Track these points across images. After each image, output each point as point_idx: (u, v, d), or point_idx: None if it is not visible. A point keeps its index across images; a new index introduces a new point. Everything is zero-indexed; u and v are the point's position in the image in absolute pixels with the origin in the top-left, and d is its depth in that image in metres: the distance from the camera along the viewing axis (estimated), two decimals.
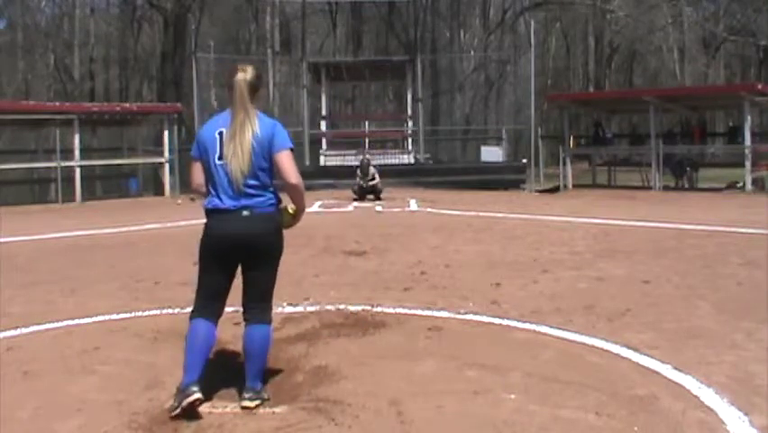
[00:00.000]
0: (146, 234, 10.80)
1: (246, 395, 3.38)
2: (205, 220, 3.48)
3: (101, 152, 21.37)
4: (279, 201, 3.46)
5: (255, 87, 3.40)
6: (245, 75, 3.37)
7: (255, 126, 3.33)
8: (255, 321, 3.48)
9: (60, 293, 6.14)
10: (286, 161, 3.38)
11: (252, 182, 3.33)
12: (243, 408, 3.34)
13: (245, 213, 3.34)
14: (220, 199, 3.37)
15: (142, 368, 3.97)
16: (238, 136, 3.32)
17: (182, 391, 3.24)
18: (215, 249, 3.43)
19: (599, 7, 32.25)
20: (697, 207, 13.49)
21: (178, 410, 3.20)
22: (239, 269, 3.50)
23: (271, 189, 3.42)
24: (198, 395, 3.21)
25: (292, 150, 3.45)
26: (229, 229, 3.37)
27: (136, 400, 3.47)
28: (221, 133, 3.35)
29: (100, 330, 4.86)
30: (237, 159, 3.30)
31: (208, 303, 3.47)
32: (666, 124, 20.55)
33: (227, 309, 5.37)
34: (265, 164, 3.35)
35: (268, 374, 3.72)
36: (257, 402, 3.36)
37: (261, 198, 3.37)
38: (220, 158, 3.34)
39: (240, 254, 3.41)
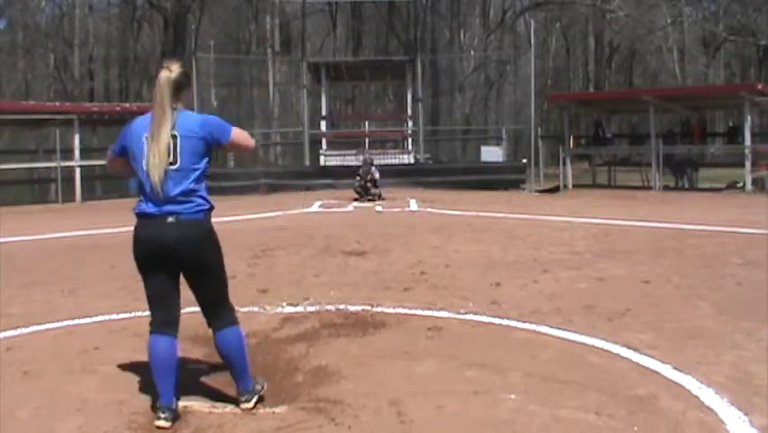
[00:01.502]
0: None
1: (242, 398, 3.36)
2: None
3: (101, 152, 21.27)
4: (211, 207, 3.31)
5: (180, 85, 3.22)
6: (169, 73, 3.19)
7: (172, 129, 3.15)
8: (221, 326, 3.36)
9: (60, 293, 6.14)
10: (237, 140, 3.33)
11: (179, 188, 3.18)
12: (244, 410, 3.34)
13: (170, 219, 3.19)
14: (146, 204, 3.25)
15: (142, 368, 3.97)
16: (155, 141, 3.14)
17: (155, 411, 3.20)
18: (143, 256, 3.30)
19: (599, 7, 32.25)
20: (697, 207, 13.49)
21: (167, 424, 3.13)
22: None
23: (200, 194, 3.26)
24: (163, 423, 3.12)
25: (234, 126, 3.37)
26: (153, 235, 3.23)
27: (136, 400, 3.47)
28: (147, 138, 3.17)
29: (100, 330, 4.86)
30: (155, 164, 3.13)
31: (158, 313, 3.29)
32: (666, 124, 20.56)
33: None
34: (198, 166, 3.22)
35: (265, 373, 3.73)
36: (254, 401, 3.36)
37: (189, 204, 3.21)
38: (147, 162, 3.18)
39: (169, 262, 3.24)
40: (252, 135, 3.47)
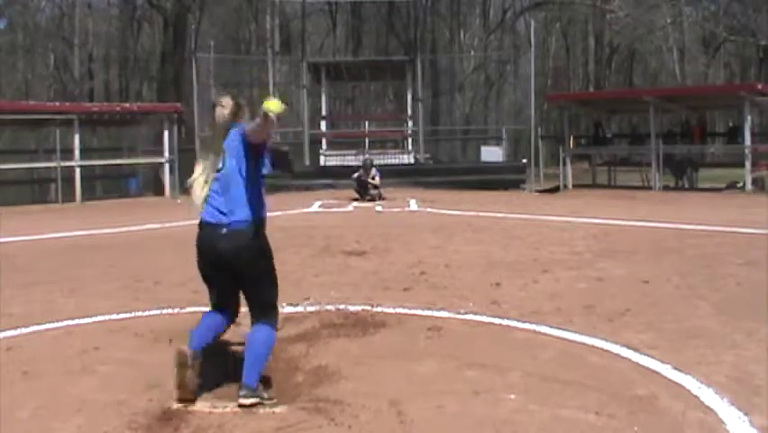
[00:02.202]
0: (146, 234, 10.80)
1: (241, 393, 3.40)
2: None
3: (101, 152, 21.34)
4: (261, 223, 3.55)
5: (236, 115, 3.56)
6: (223, 110, 3.57)
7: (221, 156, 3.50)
8: (255, 322, 3.56)
9: (60, 293, 6.14)
10: (249, 127, 3.44)
11: (229, 199, 3.46)
12: (240, 405, 3.37)
13: (224, 230, 3.44)
14: (207, 212, 3.51)
15: (142, 368, 3.97)
16: (211, 160, 3.52)
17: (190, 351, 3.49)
18: (200, 260, 3.57)
19: (599, 7, 32.24)
20: (697, 207, 13.49)
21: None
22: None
23: (250, 206, 3.48)
24: (188, 348, 3.42)
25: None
26: (206, 243, 3.50)
27: (136, 400, 3.47)
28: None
29: (100, 330, 4.86)
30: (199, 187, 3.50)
31: (216, 306, 3.66)
32: (666, 124, 20.55)
33: None
34: (243, 176, 3.46)
35: (268, 375, 3.73)
36: (251, 400, 3.37)
37: (239, 215, 3.46)
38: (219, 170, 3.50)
39: (221, 267, 3.50)
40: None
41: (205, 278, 3.62)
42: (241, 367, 3.48)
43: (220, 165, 3.50)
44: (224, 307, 3.64)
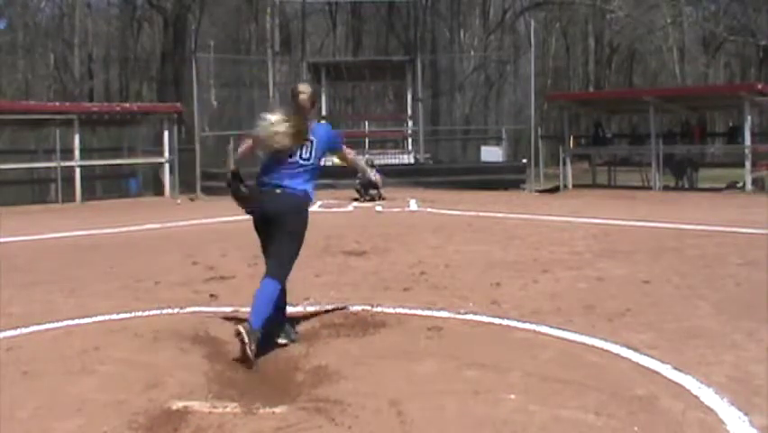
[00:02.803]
0: (146, 234, 10.80)
1: (241, 325, 3.95)
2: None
3: (101, 152, 21.32)
4: (310, 200, 4.34)
5: (313, 103, 4.38)
6: (305, 96, 4.33)
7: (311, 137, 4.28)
8: (266, 275, 4.20)
9: (60, 293, 6.14)
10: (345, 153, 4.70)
11: (302, 177, 4.27)
12: (235, 331, 3.93)
13: (278, 191, 4.20)
14: (269, 178, 4.24)
15: (142, 368, 3.97)
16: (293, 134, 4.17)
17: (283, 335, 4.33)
18: (258, 219, 4.32)
19: (599, 7, 32.22)
20: (697, 207, 13.49)
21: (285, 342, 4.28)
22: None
23: (310, 185, 4.31)
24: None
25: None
26: (269, 201, 4.22)
27: (136, 400, 3.47)
28: None
29: (100, 330, 4.85)
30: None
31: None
32: (666, 124, 20.54)
33: (226, 310, 5.40)
34: (316, 167, 4.35)
35: (265, 373, 3.76)
36: (241, 337, 3.87)
37: (302, 187, 4.26)
38: (291, 156, 4.22)
39: (271, 223, 4.23)
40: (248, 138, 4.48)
41: (260, 235, 4.31)
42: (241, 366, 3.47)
43: (306, 155, 4.25)
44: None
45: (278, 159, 4.23)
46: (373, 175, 5.56)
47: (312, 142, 4.27)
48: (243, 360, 3.88)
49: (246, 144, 4.45)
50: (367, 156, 17.73)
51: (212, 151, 23.35)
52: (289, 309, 5.29)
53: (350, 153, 4.72)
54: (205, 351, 4.28)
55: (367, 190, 15.63)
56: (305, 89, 4.38)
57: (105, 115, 20.01)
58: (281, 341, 4.30)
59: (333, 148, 4.53)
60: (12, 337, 4.68)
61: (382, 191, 15.97)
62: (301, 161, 4.26)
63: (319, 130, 4.36)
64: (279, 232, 4.19)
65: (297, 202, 4.22)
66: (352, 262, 7.58)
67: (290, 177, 4.21)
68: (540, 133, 20.81)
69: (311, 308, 5.35)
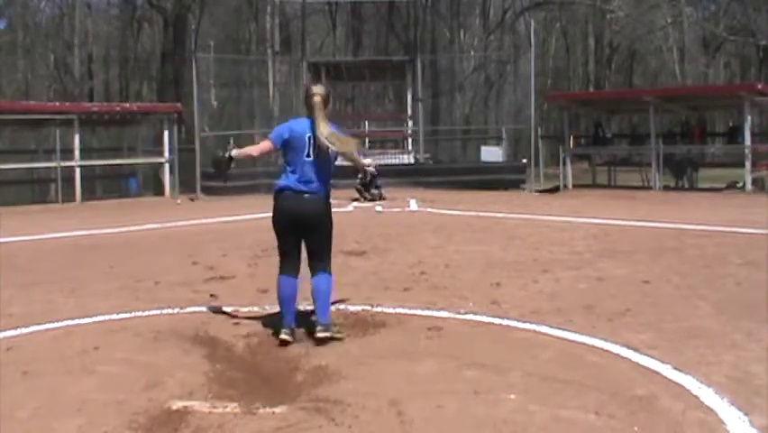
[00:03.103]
0: (146, 234, 10.80)
1: (318, 328, 4.35)
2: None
3: (101, 152, 21.34)
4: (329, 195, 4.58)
5: (326, 102, 4.50)
6: (320, 96, 4.46)
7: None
8: (321, 271, 4.50)
9: (60, 293, 6.14)
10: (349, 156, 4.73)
11: (317, 176, 4.47)
12: (317, 339, 4.30)
13: (306, 195, 4.44)
14: (295, 183, 4.45)
15: (142, 368, 3.97)
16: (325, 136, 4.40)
17: (280, 330, 4.42)
18: (282, 219, 4.52)
19: (599, 7, 32.22)
20: (697, 207, 13.49)
21: (289, 338, 4.38)
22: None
23: (326, 183, 4.53)
24: (286, 337, 4.34)
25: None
26: (292, 204, 4.46)
27: (136, 400, 3.47)
28: (310, 138, 4.42)
29: (100, 330, 4.86)
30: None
31: (288, 258, 4.59)
32: (666, 124, 20.54)
33: (227, 309, 5.41)
34: (332, 158, 4.53)
35: (265, 373, 3.76)
36: (326, 334, 4.33)
37: (320, 187, 4.49)
38: (308, 156, 4.43)
39: (299, 224, 4.48)
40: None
41: (282, 234, 4.54)
42: (242, 366, 3.47)
43: (325, 155, 4.47)
44: (293, 258, 4.52)
45: (298, 160, 4.44)
46: (366, 162, 5.76)
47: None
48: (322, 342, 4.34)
49: (260, 147, 4.68)
50: (366, 153, 17.72)
51: (212, 151, 23.34)
52: None
53: (354, 155, 4.88)
54: (205, 351, 4.28)
55: (368, 189, 15.63)
56: (319, 90, 4.51)
57: (105, 115, 20.00)
58: (284, 337, 4.38)
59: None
60: (12, 337, 4.68)
61: (383, 191, 15.98)
62: (318, 161, 4.47)
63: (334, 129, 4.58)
64: (317, 231, 4.50)
65: (326, 202, 4.54)
66: (352, 262, 7.58)
67: (315, 177, 4.45)
68: (540, 133, 20.80)
69: (311, 308, 5.34)
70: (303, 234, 4.50)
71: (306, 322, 4.64)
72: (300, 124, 4.51)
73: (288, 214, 4.46)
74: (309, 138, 4.42)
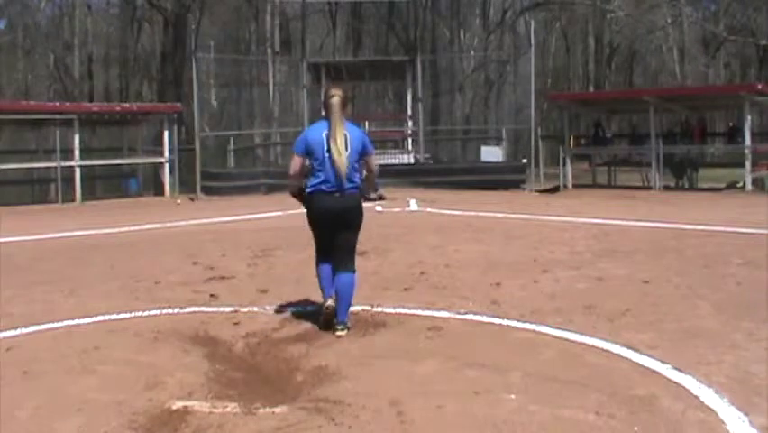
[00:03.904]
0: (146, 234, 10.80)
1: (338, 327, 4.56)
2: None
3: (101, 152, 21.33)
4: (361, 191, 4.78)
5: (345, 103, 4.61)
6: (338, 97, 4.56)
7: (344, 130, 4.57)
8: (345, 269, 4.69)
9: (60, 293, 6.14)
10: (372, 160, 4.84)
11: (346, 172, 4.56)
12: (337, 336, 4.49)
13: (337, 194, 4.61)
14: (323, 184, 4.60)
15: (142, 368, 3.97)
16: (333, 139, 4.53)
17: (323, 304, 4.71)
18: (319, 217, 4.71)
19: (599, 7, 32.21)
20: (697, 207, 13.48)
21: (322, 316, 4.69)
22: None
23: (356, 179, 4.69)
24: (330, 303, 4.65)
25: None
26: (327, 203, 4.63)
27: (136, 400, 3.47)
28: (326, 135, 4.55)
29: (100, 330, 4.86)
30: (337, 154, 4.52)
31: (322, 252, 4.82)
32: (666, 124, 20.53)
33: (226, 310, 5.41)
34: (356, 159, 4.64)
35: (265, 373, 3.77)
36: (344, 332, 4.54)
37: (350, 184, 4.64)
38: (328, 151, 4.54)
39: (336, 222, 4.67)
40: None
41: (315, 231, 4.79)
42: (241, 366, 3.47)
43: (347, 150, 4.57)
44: (329, 253, 4.74)
45: (322, 162, 4.58)
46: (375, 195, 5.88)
47: (346, 136, 4.59)
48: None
49: (294, 168, 4.79)
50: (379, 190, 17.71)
51: (212, 151, 23.35)
52: (290, 309, 5.31)
53: (374, 166, 4.92)
54: (205, 351, 4.28)
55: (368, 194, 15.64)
56: (337, 92, 4.63)
57: (105, 115, 20.01)
58: (332, 302, 4.68)
59: (365, 150, 4.73)
60: (12, 337, 4.69)
61: (383, 191, 15.97)
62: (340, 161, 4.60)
63: (353, 129, 4.69)
64: (346, 227, 4.74)
65: (356, 199, 4.74)
66: None
67: (342, 175, 4.58)
68: (540, 133, 20.80)
69: (311, 308, 5.35)
70: (335, 230, 4.71)
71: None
72: (316, 130, 4.66)
73: (321, 213, 4.66)
74: (326, 138, 4.55)
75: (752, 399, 3.40)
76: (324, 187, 4.60)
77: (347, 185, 4.61)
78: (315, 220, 4.75)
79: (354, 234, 4.82)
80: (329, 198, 4.61)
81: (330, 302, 4.65)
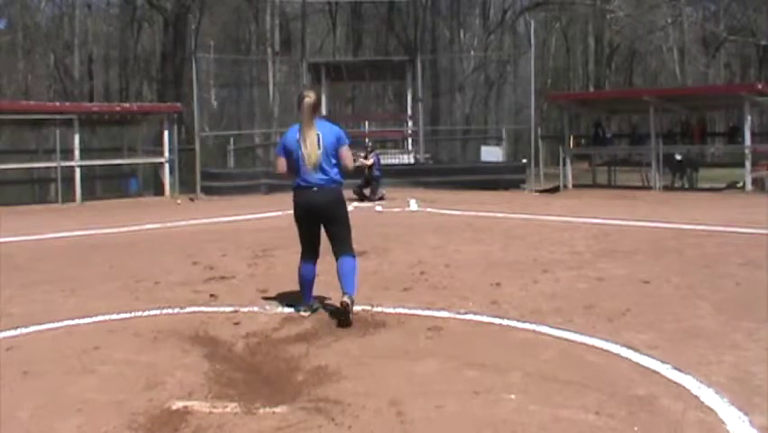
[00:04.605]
0: (146, 234, 10.80)
1: (345, 297, 4.80)
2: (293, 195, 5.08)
3: (101, 152, 21.32)
4: (342, 182, 5.07)
5: (316, 106, 4.95)
6: (309, 99, 4.91)
7: (316, 130, 4.93)
8: (343, 254, 4.99)
9: (60, 293, 6.14)
10: (346, 153, 5.07)
11: (323, 167, 4.93)
12: (342, 303, 4.77)
13: (315, 189, 4.94)
14: (301, 180, 4.96)
15: (142, 368, 3.97)
16: (304, 140, 4.91)
17: (298, 308, 5.16)
18: (300, 212, 5.03)
19: (599, 7, 32.23)
20: (697, 207, 13.48)
21: (307, 314, 5.07)
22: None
23: (335, 173, 4.99)
24: (304, 313, 5.07)
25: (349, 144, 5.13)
26: (307, 198, 4.97)
27: (136, 400, 3.47)
28: (298, 140, 4.93)
29: (100, 330, 4.86)
30: (308, 153, 4.89)
31: (306, 249, 5.12)
32: (666, 124, 20.53)
33: (225, 310, 5.41)
34: (333, 154, 4.96)
35: (265, 373, 3.76)
36: (349, 301, 4.78)
37: (327, 178, 4.96)
38: (303, 155, 4.90)
39: (317, 215, 5.00)
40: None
41: (298, 225, 5.08)
42: (242, 367, 3.47)
43: (320, 149, 4.90)
44: (310, 247, 5.09)
45: (299, 161, 4.94)
46: (367, 161, 6.02)
47: (319, 135, 4.92)
48: (345, 323, 4.75)
49: (281, 167, 5.14)
50: (368, 141, 17.71)
51: (212, 151, 23.36)
52: (289, 310, 5.32)
53: (346, 159, 5.10)
54: (205, 351, 4.28)
55: (368, 183, 15.65)
56: (308, 94, 4.97)
57: (105, 115, 20.01)
58: (303, 313, 5.07)
59: (339, 143, 5.03)
60: (12, 337, 4.69)
61: (383, 191, 15.98)
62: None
63: (325, 126, 5.04)
64: (331, 219, 5.04)
65: (335, 192, 5.04)
66: None
67: (319, 171, 4.93)
68: (540, 133, 20.81)
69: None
70: (318, 224, 5.03)
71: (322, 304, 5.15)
72: (292, 131, 5.05)
73: (301, 207, 5.00)
74: (299, 140, 4.94)
75: (752, 399, 3.40)
76: (302, 183, 4.97)
77: (322, 179, 4.93)
78: (297, 215, 5.07)
79: (344, 226, 5.09)
80: (308, 192, 4.95)
81: (303, 312, 5.04)
